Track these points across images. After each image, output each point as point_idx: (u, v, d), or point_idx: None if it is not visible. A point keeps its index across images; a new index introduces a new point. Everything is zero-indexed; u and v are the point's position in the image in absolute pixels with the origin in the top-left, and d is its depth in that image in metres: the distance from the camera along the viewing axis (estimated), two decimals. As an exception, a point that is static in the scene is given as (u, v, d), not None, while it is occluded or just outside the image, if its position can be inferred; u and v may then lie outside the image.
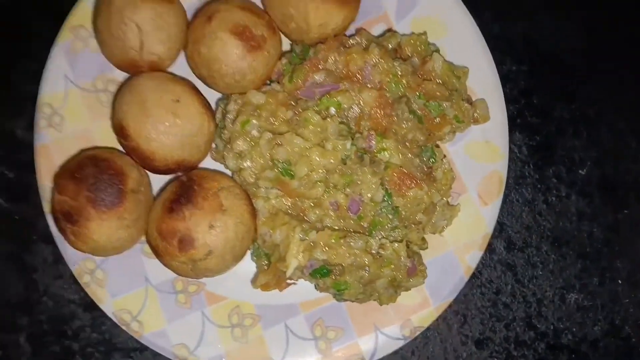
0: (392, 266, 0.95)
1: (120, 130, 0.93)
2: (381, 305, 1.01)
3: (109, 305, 0.99)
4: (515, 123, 1.16)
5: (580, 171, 1.16)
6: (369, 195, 0.95)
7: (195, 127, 0.95)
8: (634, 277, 1.13)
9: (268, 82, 1.02)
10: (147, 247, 1.02)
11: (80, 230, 0.89)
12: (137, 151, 0.93)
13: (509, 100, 1.14)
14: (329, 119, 0.95)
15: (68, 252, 0.99)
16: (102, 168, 0.90)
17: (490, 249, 1.13)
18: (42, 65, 1.09)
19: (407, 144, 0.99)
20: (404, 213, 0.97)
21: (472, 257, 1.04)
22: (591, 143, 1.17)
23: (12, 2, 1.13)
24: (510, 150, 1.12)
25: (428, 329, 1.07)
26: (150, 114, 0.91)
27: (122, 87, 0.98)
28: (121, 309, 1.00)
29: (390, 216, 0.96)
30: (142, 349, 1.06)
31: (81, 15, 1.04)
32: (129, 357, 1.06)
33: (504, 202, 1.11)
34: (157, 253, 0.93)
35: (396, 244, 0.95)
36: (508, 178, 1.10)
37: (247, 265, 1.03)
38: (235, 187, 0.96)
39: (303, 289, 1.03)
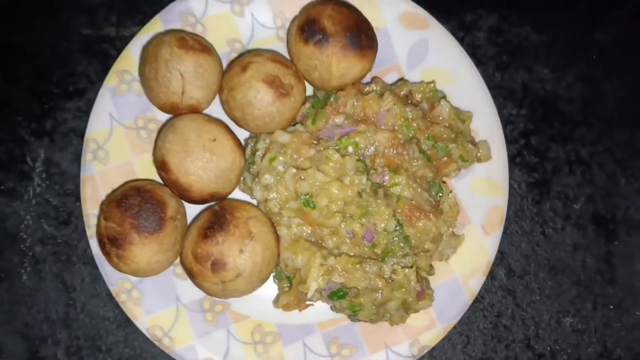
0: (403, 290, 1.05)
1: (162, 165, 1.05)
2: (392, 325, 1.10)
3: (143, 322, 1.09)
4: (515, 162, 1.27)
5: (575, 206, 1.26)
6: (383, 225, 1.05)
7: (229, 163, 1.06)
8: (624, 303, 1.22)
9: (293, 123, 1.14)
10: (178, 269, 1.13)
11: (124, 253, 0.99)
12: (176, 184, 1.04)
13: (509, 141, 1.26)
14: (347, 157, 1.06)
15: (107, 273, 1.09)
16: (145, 198, 1.01)
17: (492, 275, 1.22)
18: (87, 103, 1.22)
19: (417, 179, 1.10)
20: (413, 242, 1.08)
21: (475, 283, 1.14)
22: (585, 180, 1.28)
23: (65, 49, 1.25)
24: (511, 186, 1.23)
25: (434, 348, 1.16)
26: (191, 151, 1.03)
27: (164, 126, 1.10)
28: (154, 325, 1.09)
29: (402, 244, 1.07)
30: (171, 364, 1.15)
31: (126, 61, 1.16)
32: (159, 371, 1.15)
33: (504, 233, 1.21)
34: (191, 274, 1.03)
35: (407, 270, 1.05)
36: (508, 211, 1.20)
37: (269, 287, 1.13)
38: (262, 216, 1.07)
39: (320, 310, 1.13)
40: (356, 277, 1.04)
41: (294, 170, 1.07)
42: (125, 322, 1.16)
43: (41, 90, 1.24)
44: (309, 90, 1.17)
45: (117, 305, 1.15)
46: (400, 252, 1.07)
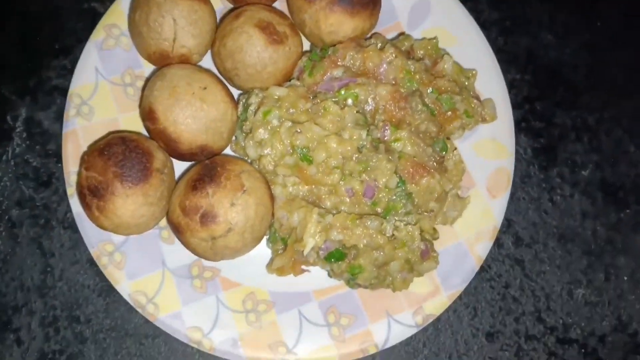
0: (406, 248, 0.98)
1: (149, 114, 0.98)
2: (394, 291, 1.03)
3: (125, 287, 1.01)
4: (520, 127, 1.22)
5: (582, 172, 1.21)
6: (384, 180, 0.99)
7: (220, 113, 1.00)
8: (637, 274, 1.16)
9: (289, 81, 1.08)
10: (165, 233, 1.05)
11: (105, 205, 0.92)
12: (164, 134, 0.98)
13: (513, 105, 1.19)
14: (346, 108, 1.00)
15: (88, 233, 1.01)
16: (130, 147, 0.94)
17: (498, 243, 1.16)
18: (73, 62, 1.16)
19: (420, 135, 1.04)
20: (417, 200, 1.01)
21: (482, 248, 1.07)
22: (592, 148, 1.23)
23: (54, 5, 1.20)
24: (516, 151, 1.17)
25: (439, 320, 1.09)
26: (180, 98, 0.96)
27: (152, 76, 1.04)
28: (137, 290, 1.01)
29: (404, 201, 1.00)
30: (155, 335, 1.06)
31: (115, 15, 1.12)
32: (141, 344, 1.06)
33: (511, 199, 1.15)
34: (178, 230, 0.96)
35: (410, 227, 0.98)
36: (514, 177, 1.14)
37: (262, 252, 1.05)
38: (255, 172, 1.00)
39: (316, 277, 1.05)
40: (356, 233, 0.97)
41: (290, 124, 1.00)
42: (107, 291, 1.07)
43: (26, 47, 1.18)
44: (306, 47, 1.12)
45: (98, 273, 1.07)
46: (402, 210, 1.00)
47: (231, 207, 0.93)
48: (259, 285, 1.05)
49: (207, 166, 0.97)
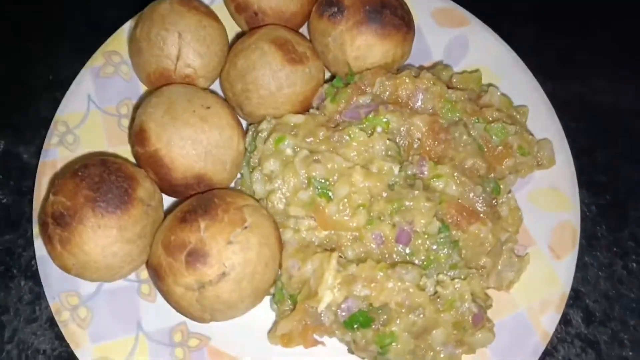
0: (453, 311, 0.75)
1: (138, 134, 0.82)
2: (436, 374, 0.78)
3: (87, 351, 0.79)
4: (580, 180, 1.02)
5: (662, 235, 0.99)
6: (423, 222, 0.78)
7: (223, 138, 0.83)
8: None
9: (307, 111, 0.93)
10: (145, 287, 0.85)
11: (70, 236, 0.73)
12: (154, 158, 0.81)
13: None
14: (375, 134, 0.83)
15: (50, 281, 0.82)
16: (110, 169, 0.77)
17: (565, 320, 0.92)
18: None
19: (466, 172, 0.85)
20: (464, 251, 0.80)
21: (548, 320, 0.84)
22: (670, 206, 1.02)
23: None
24: (578, 209, 0.97)
25: (495, 418, 0.82)
26: (177, 117, 0.81)
27: (147, 94, 0.89)
28: (102, 357, 0.78)
29: (449, 251, 0.79)
30: (120, 423, 0.81)
31: (118, 41, 1.01)
32: None
33: (577, 265, 0.93)
34: (158, 275, 0.75)
35: (458, 282, 0.76)
36: (579, 239, 0.94)
37: (264, 317, 0.84)
38: (262, 208, 0.81)
39: (333, 353, 0.82)
40: (387, 288, 0.75)
41: (306, 152, 0.83)
42: (66, 359, 0.84)
43: (19, 79, 1.07)
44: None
45: (58, 335, 0.86)
46: (447, 262, 0.78)
47: (227, 245, 0.73)
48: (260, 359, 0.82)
49: (203, 197, 0.78)
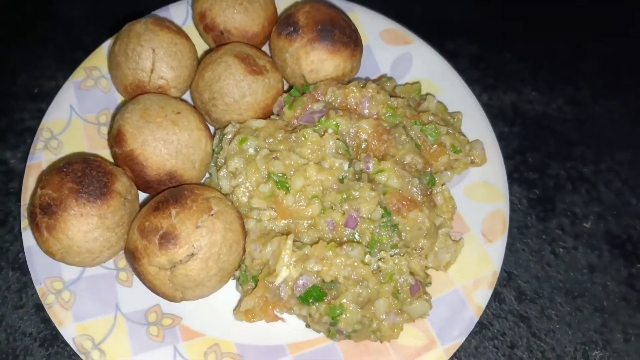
0: (393, 283, 0.86)
1: (117, 136, 0.93)
2: (382, 342, 0.89)
3: (70, 329, 0.87)
4: (512, 177, 1.17)
5: (585, 224, 1.12)
6: (367, 208, 0.90)
7: (193, 140, 0.94)
8: (662, 335, 1.01)
9: (268, 118, 1.05)
10: (123, 275, 0.94)
11: (56, 223, 0.82)
12: (130, 157, 0.92)
13: (504, 157, 1.14)
14: (326, 135, 0.95)
15: (36, 269, 0.90)
16: (92, 165, 0.87)
17: (499, 298, 1.03)
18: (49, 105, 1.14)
19: (405, 167, 0.97)
20: (404, 235, 0.92)
21: (481, 296, 0.95)
22: (591, 199, 1.16)
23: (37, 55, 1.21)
24: (511, 202, 1.10)
25: (436, 383, 0.92)
26: (151, 120, 0.92)
27: (123, 104, 1.00)
28: (83, 334, 0.87)
29: (390, 233, 0.90)
30: (99, 396, 0.89)
31: (98, 58, 1.12)
32: (83, 405, 0.89)
33: (509, 251, 1.06)
34: (134, 257, 0.85)
35: (397, 258, 0.87)
36: (511, 228, 1.07)
37: (230, 299, 0.94)
38: (227, 200, 0.92)
39: (292, 329, 0.93)
40: (335, 263, 0.86)
41: (267, 151, 0.95)
42: (50, 340, 0.93)
43: (1, 91, 1.16)
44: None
45: (43, 319, 0.95)
46: (388, 242, 0.90)
47: (195, 229, 0.83)
48: (225, 337, 0.92)
49: (174, 190, 0.89)
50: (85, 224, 0.83)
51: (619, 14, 1.42)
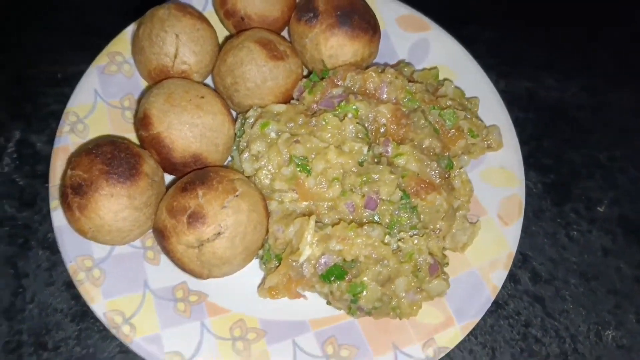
0: (413, 262, 0.89)
1: (143, 120, 0.95)
2: (401, 319, 0.92)
3: (101, 305, 0.90)
4: (528, 162, 1.18)
5: (599, 209, 1.14)
6: (386, 191, 0.92)
7: (216, 123, 0.97)
8: (674, 317, 1.04)
9: (289, 102, 1.07)
10: (150, 253, 0.97)
11: (87, 203, 0.85)
12: (157, 140, 0.94)
13: (520, 142, 1.16)
14: (346, 119, 0.98)
15: (67, 248, 0.94)
16: (120, 148, 0.90)
17: (515, 279, 1.06)
18: (73, 90, 1.16)
19: (424, 151, 0.99)
20: (423, 216, 0.94)
21: (497, 276, 0.97)
22: (606, 185, 1.18)
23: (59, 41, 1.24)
24: (527, 187, 1.11)
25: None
26: (176, 104, 0.94)
27: (148, 89, 1.03)
28: (113, 309, 0.90)
29: (409, 214, 0.93)
30: (128, 368, 0.93)
31: (120, 43, 1.14)
32: (112, 377, 0.93)
33: (525, 234, 1.08)
34: (163, 236, 0.88)
35: (416, 239, 0.90)
36: (527, 211, 1.09)
37: (254, 277, 0.97)
38: (250, 182, 0.95)
39: (313, 305, 0.95)
40: (356, 243, 0.88)
41: (288, 135, 0.97)
42: (81, 316, 0.97)
43: (25, 76, 1.19)
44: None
45: (73, 296, 0.98)
46: (408, 223, 0.92)
47: (222, 209, 0.86)
48: (250, 313, 0.95)
49: (200, 171, 0.92)
50: (116, 204, 0.86)
51: (635, 1, 1.42)
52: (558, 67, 1.32)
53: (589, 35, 1.36)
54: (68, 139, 1.04)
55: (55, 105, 1.17)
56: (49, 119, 1.15)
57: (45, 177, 1.08)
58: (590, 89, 1.29)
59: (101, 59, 1.13)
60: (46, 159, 1.10)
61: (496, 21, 1.37)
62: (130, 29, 1.15)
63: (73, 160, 0.90)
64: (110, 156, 0.88)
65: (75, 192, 0.86)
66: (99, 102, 1.09)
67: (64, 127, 1.05)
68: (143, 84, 1.11)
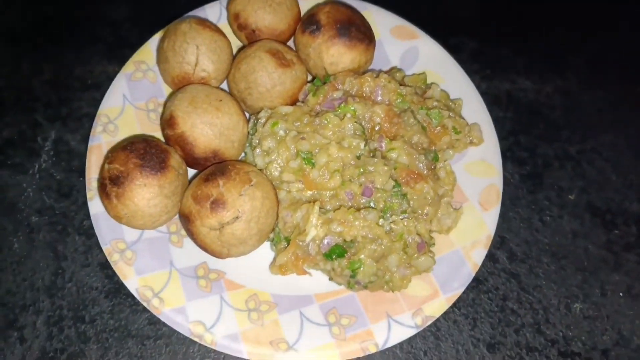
0: (403, 241, 1.03)
1: (169, 120, 1.10)
2: (393, 291, 1.06)
3: (133, 281, 1.04)
4: (506, 156, 1.33)
5: (569, 196, 1.28)
6: (381, 181, 1.07)
7: (233, 122, 1.11)
8: (633, 291, 1.18)
9: (295, 104, 1.21)
10: (174, 237, 1.11)
11: (124, 192, 1.00)
12: (181, 138, 1.08)
13: (499, 138, 1.30)
14: (346, 119, 1.12)
15: (103, 232, 1.08)
16: (151, 144, 1.05)
17: (493, 259, 1.20)
18: (103, 95, 1.30)
19: (413, 146, 1.14)
20: (412, 203, 1.08)
21: (477, 254, 1.11)
22: (576, 175, 1.32)
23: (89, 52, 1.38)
24: (505, 177, 1.26)
25: (439, 329, 1.10)
26: (198, 106, 1.09)
27: (173, 93, 1.17)
28: (144, 285, 1.04)
29: (400, 201, 1.07)
30: (157, 337, 1.07)
31: (145, 53, 1.28)
32: (143, 344, 1.07)
33: (502, 218, 1.22)
34: (189, 219, 1.02)
35: (406, 221, 1.04)
36: (504, 199, 1.22)
37: (266, 258, 1.11)
38: (263, 174, 1.09)
39: (318, 281, 1.09)
40: (355, 225, 1.03)
41: (295, 133, 1.11)
42: (114, 293, 1.11)
43: (60, 83, 1.33)
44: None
45: (107, 275, 1.12)
46: (399, 208, 1.07)
47: (239, 196, 1.00)
48: (262, 288, 1.09)
49: (219, 165, 1.06)
50: (148, 193, 1.00)
51: (607, 13, 1.57)
52: (534, 72, 1.46)
53: (565, 43, 1.51)
54: (101, 138, 1.18)
55: (88, 108, 1.31)
56: (83, 120, 1.29)
57: (79, 171, 1.23)
58: (564, 91, 1.43)
59: (128, 67, 1.27)
60: (80, 156, 1.25)
61: (479, 31, 1.51)
62: (152, 41, 1.29)
63: (110, 156, 1.04)
64: (143, 152, 1.02)
65: (113, 183, 1.00)
66: (127, 105, 1.23)
67: (97, 128, 1.19)
68: (165, 88, 1.26)
